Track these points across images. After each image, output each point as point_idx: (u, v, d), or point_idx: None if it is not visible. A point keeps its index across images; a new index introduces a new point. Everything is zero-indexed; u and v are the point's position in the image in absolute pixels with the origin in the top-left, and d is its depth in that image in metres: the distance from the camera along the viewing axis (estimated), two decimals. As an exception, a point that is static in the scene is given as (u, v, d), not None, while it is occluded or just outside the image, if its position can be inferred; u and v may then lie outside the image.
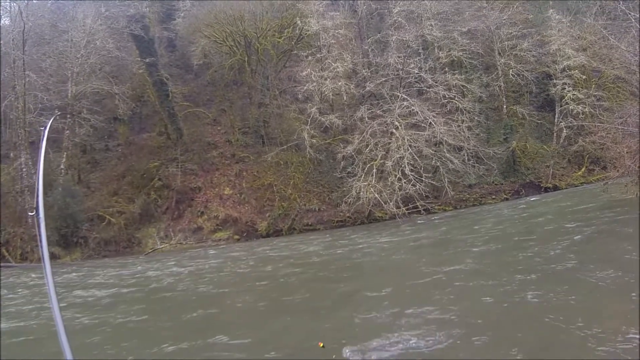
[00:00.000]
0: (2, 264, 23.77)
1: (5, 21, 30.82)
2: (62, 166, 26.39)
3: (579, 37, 28.57)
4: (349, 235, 19.74)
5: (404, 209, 21.42)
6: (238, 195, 23.68)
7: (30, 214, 3.30)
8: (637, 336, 5.57)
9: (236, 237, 23.41)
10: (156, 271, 16.30)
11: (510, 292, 8.36)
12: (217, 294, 11.94)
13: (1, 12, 30.08)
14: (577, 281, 8.41)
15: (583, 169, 26.72)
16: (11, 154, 27.85)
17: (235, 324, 8.75)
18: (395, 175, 21.44)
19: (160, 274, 15.66)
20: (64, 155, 26.30)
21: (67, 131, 26.50)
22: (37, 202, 3.27)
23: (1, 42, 27.77)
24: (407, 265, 13.20)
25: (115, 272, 17.17)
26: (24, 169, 26.24)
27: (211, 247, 22.82)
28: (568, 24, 28.21)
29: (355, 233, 20.13)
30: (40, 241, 3.02)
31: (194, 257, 19.21)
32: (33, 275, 17.21)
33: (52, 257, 24.18)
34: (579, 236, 12.76)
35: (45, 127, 4.30)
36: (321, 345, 6.59)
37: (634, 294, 6.97)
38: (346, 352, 6.27)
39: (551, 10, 28.90)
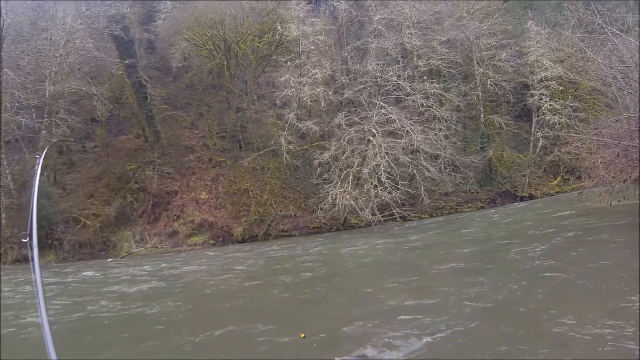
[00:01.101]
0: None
1: (-17, 18, 30.40)
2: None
3: (556, 49, 29.12)
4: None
5: (379, 216, 21.48)
6: (214, 199, 23.59)
7: (23, 240, 3.42)
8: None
9: (212, 241, 23.29)
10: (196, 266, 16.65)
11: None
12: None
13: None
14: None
15: (559, 179, 27.17)
16: (-13, 154, 27.41)
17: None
18: (372, 183, 21.51)
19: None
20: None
21: (44, 131, 26.10)
22: (31, 228, 3.39)
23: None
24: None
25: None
26: (-1, 169, 25.85)
27: (186, 251, 22.76)
28: (546, 36, 28.74)
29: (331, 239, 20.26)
30: (33, 267, 3.15)
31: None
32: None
33: (25, 259, 23.75)
34: (556, 241, 13.38)
35: (39, 161, 4.34)
36: (302, 335, 6.96)
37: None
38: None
39: (530, 22, 29.38)
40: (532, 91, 27.39)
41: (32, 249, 3.26)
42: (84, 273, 17.38)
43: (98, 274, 17.02)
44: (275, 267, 15.21)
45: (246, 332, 7.98)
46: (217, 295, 11.92)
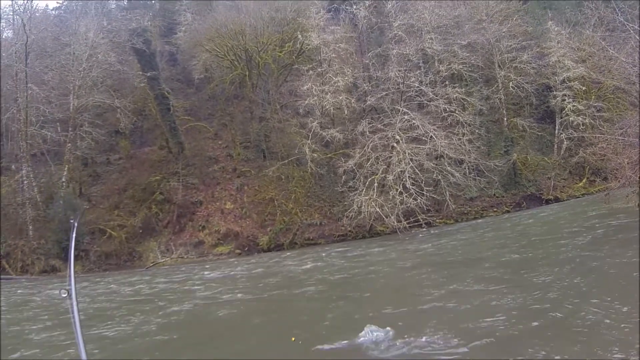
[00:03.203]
0: (1, 277, 23.81)
1: (9, 34, 31.08)
2: (63, 179, 26.43)
3: (578, 49, 28.66)
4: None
5: (405, 222, 21.42)
6: (239, 209, 23.69)
7: (63, 295, 3.64)
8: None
9: (237, 251, 23.37)
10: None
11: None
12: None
13: (4, 25, 30.39)
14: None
15: (584, 180, 26.73)
16: (12, 166, 27.91)
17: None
18: (397, 189, 21.44)
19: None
20: (65, 168, 26.35)
21: (69, 144, 26.57)
22: (70, 283, 3.65)
23: (3, 54, 27.92)
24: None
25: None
26: (25, 181, 26.30)
27: (212, 261, 22.90)
28: (567, 36, 28.34)
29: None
30: (74, 320, 3.35)
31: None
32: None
33: (53, 269, 24.22)
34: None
35: (74, 223, 4.52)
36: (293, 339, 7.32)
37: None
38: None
39: (550, 22, 29.01)
40: (554, 92, 27.04)
41: (72, 309, 3.46)
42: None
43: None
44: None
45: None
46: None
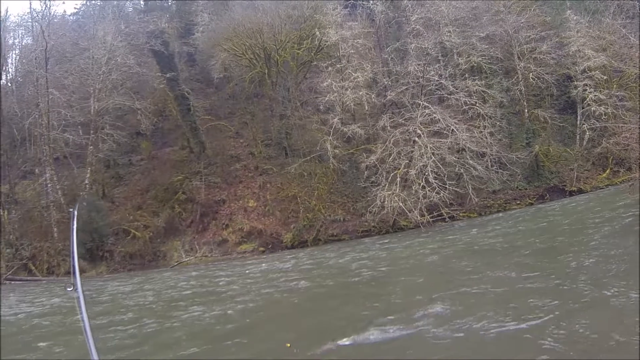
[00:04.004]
0: (28, 278, 24.29)
1: (28, 40, 31.66)
2: (86, 181, 26.83)
3: (598, 37, 28.20)
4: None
5: (428, 217, 21.39)
6: (262, 207, 23.82)
7: (68, 289, 3.62)
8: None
9: (261, 249, 23.52)
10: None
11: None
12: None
13: (23, 32, 30.95)
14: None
15: (607, 171, 26.33)
16: (36, 170, 28.39)
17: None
18: (419, 184, 21.39)
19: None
20: (88, 171, 26.75)
21: (91, 147, 26.93)
22: (75, 278, 3.60)
23: (24, 61, 28.40)
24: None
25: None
26: (49, 185, 26.76)
27: (236, 259, 23.09)
28: (586, 25, 27.92)
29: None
30: (81, 312, 3.34)
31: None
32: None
33: (80, 271, 24.62)
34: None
35: (74, 212, 4.58)
36: (288, 345, 7.47)
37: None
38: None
39: (569, 11, 28.60)
40: (575, 82, 26.63)
41: (79, 303, 3.47)
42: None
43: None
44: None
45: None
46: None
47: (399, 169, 22.06)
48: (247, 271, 17.73)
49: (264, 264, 18.85)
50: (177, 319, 10.65)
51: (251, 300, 12.18)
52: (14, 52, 34.57)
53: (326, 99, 23.01)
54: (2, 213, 26.34)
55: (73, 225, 4.41)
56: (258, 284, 14.47)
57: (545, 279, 9.75)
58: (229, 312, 10.81)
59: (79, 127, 27.91)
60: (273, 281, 14.67)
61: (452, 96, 23.66)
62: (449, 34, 25.25)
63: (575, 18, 27.96)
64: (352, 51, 24.21)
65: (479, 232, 18.51)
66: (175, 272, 20.86)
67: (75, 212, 4.55)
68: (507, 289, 9.54)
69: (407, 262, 15.03)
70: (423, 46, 23.84)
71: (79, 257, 3.75)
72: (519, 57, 26.77)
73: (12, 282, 23.41)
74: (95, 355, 2.94)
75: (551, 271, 10.38)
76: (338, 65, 23.98)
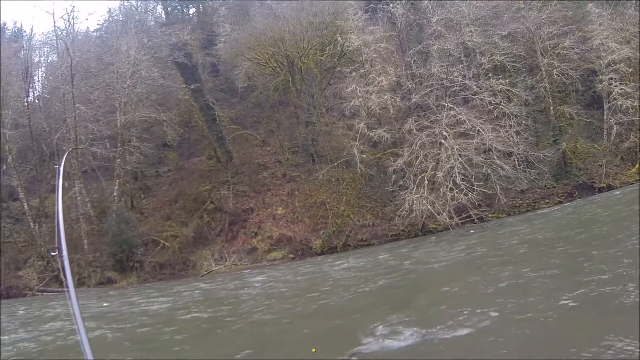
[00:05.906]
0: (59, 289, 24.84)
1: (54, 58, 32.42)
2: (114, 193, 27.34)
3: (621, 30, 27.82)
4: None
5: (457, 219, 21.31)
6: (291, 214, 24.00)
7: (52, 253, 3.44)
8: None
9: (291, 255, 23.68)
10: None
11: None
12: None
13: (49, 49, 31.73)
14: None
15: (637, 166, 25.92)
16: (65, 184, 29.03)
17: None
18: (447, 186, 21.34)
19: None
20: (116, 183, 27.26)
21: (118, 159, 27.46)
22: (60, 241, 3.41)
23: (50, 77, 29.06)
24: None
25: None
26: (78, 198, 27.38)
27: (266, 267, 23.28)
28: (609, 17, 27.57)
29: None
30: (66, 277, 3.32)
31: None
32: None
33: (109, 281, 25.11)
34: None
35: (60, 165, 4.53)
36: (314, 350, 7.57)
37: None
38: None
39: (590, 4, 28.28)
40: (600, 77, 26.30)
41: (63, 266, 3.42)
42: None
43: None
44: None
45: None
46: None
47: (426, 171, 22.02)
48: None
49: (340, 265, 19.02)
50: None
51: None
52: (40, 69, 35.53)
53: (351, 104, 23.11)
54: (33, 227, 27.03)
55: (58, 182, 4.29)
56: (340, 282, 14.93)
57: (596, 267, 9.97)
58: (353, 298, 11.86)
59: (106, 140, 28.45)
60: (352, 279, 15.11)
61: (476, 96, 23.54)
62: (470, 33, 25.16)
63: (597, 11, 27.66)
64: (375, 55, 24.28)
65: (517, 229, 18.49)
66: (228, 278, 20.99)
67: (61, 169, 4.44)
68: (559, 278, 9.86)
69: (457, 260, 15.35)
70: (445, 47, 23.79)
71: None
72: (542, 54, 26.54)
73: (44, 294, 24.02)
74: (89, 355, 2.87)
75: (604, 259, 10.47)
76: (361, 70, 24.07)
